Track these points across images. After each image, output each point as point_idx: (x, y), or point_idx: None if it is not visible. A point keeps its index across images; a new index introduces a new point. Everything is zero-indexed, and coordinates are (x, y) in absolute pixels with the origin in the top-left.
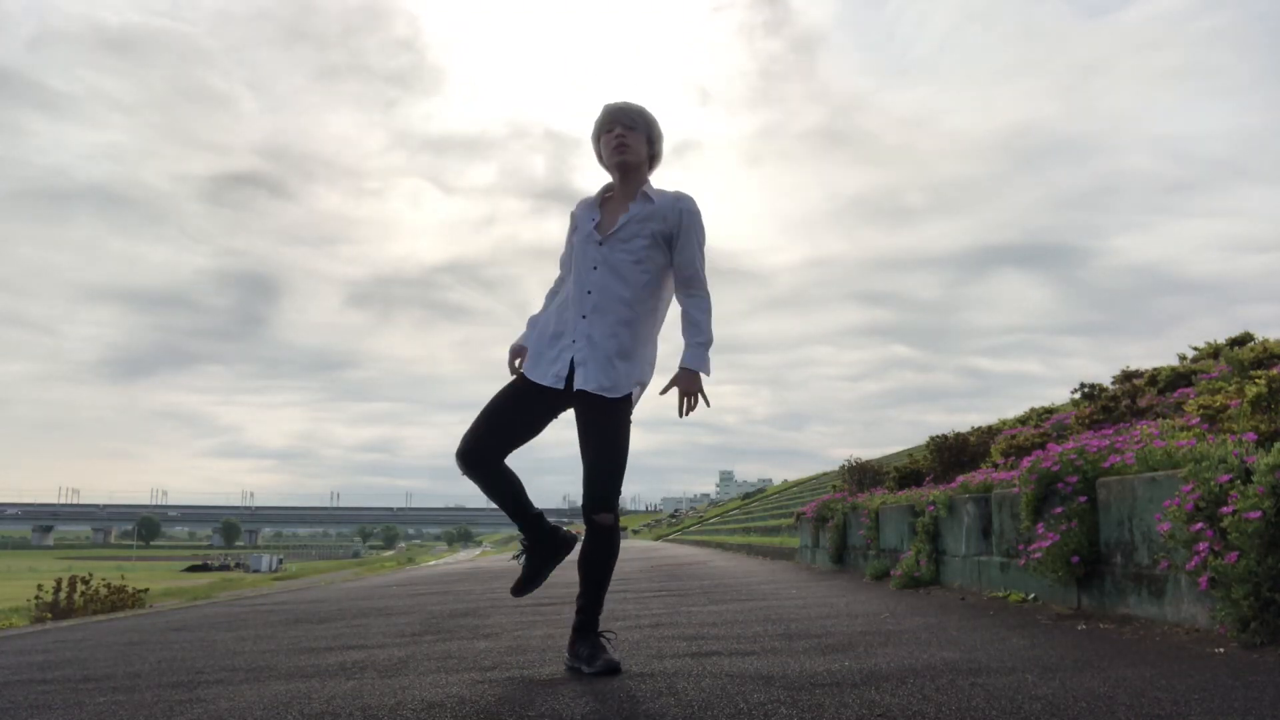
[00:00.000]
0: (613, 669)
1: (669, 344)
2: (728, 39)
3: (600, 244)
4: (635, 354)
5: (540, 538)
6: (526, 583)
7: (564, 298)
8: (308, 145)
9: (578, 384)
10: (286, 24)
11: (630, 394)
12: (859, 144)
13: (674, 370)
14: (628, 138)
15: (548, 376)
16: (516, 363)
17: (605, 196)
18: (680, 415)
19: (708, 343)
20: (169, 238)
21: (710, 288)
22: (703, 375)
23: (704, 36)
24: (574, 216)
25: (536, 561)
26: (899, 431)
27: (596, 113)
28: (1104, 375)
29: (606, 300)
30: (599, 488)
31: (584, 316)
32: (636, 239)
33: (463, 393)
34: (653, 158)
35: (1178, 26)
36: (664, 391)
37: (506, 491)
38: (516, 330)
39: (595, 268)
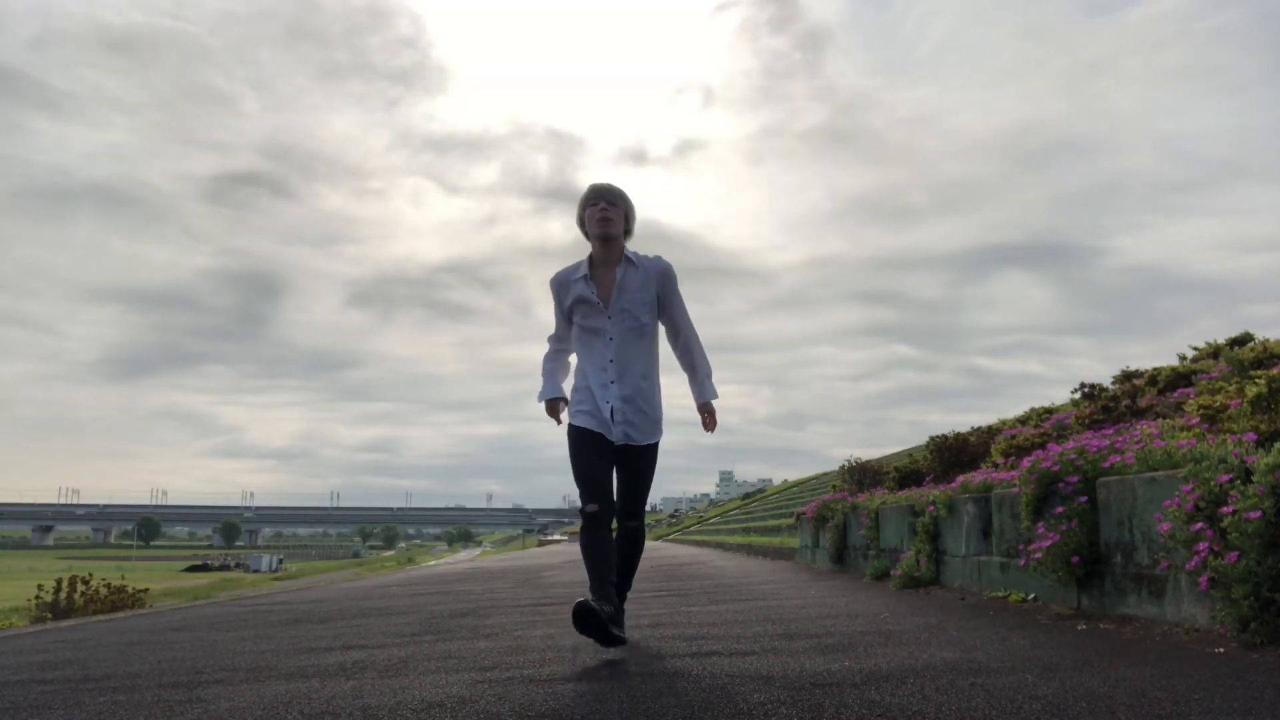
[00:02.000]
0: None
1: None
2: (731, 37)
3: (609, 317)
4: (656, 404)
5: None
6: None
7: (583, 366)
8: (310, 144)
9: (618, 440)
10: (289, 23)
11: (659, 439)
12: (862, 143)
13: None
14: (610, 213)
15: (607, 429)
16: (561, 415)
17: (590, 267)
18: (710, 431)
19: (710, 374)
20: (170, 237)
21: (704, 311)
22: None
23: (707, 34)
24: (559, 286)
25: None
26: (900, 431)
27: (596, 115)
28: (1106, 375)
29: (626, 365)
30: (631, 504)
31: (612, 382)
32: (638, 305)
33: (464, 393)
34: (628, 231)
35: (1182, 25)
36: (708, 428)
37: (609, 555)
38: (518, 329)
39: (611, 339)
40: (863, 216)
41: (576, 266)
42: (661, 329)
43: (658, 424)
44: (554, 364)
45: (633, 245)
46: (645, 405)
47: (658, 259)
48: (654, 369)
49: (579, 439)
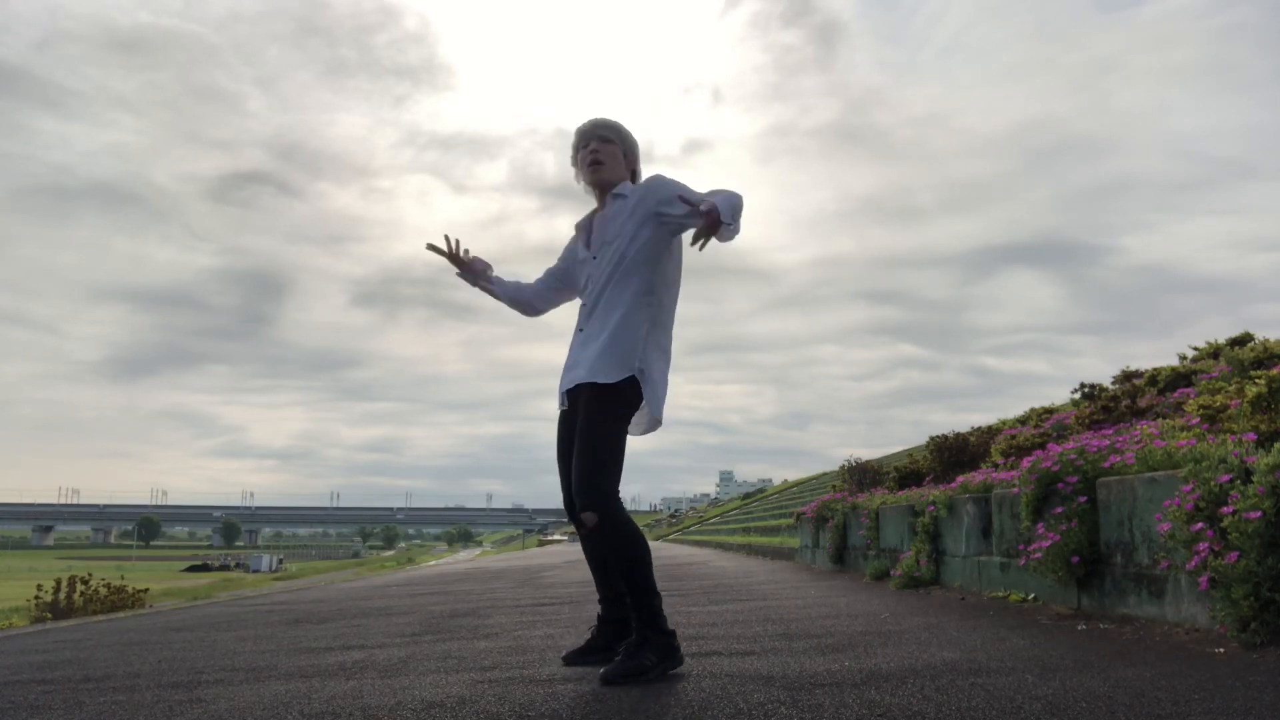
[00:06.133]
0: (605, 680)
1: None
2: (743, 31)
3: (594, 258)
4: (624, 345)
5: (612, 617)
6: (580, 654)
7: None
8: (316, 143)
9: (564, 386)
10: (296, 21)
11: (617, 383)
12: (870, 141)
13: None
14: (601, 152)
15: (563, 403)
16: (467, 273)
17: (593, 215)
18: (695, 244)
19: (731, 199)
20: (174, 237)
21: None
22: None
23: (718, 33)
24: (573, 237)
25: (598, 640)
26: (903, 432)
27: (603, 114)
28: (1110, 375)
29: (600, 309)
30: (575, 481)
31: (580, 330)
32: (618, 238)
33: (467, 393)
34: (633, 173)
35: (1193, 23)
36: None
37: (600, 557)
38: (522, 329)
39: (589, 284)
40: (870, 215)
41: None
42: (655, 276)
43: (607, 359)
44: (525, 283)
45: None
46: (604, 348)
47: (647, 183)
48: (638, 310)
49: (557, 433)
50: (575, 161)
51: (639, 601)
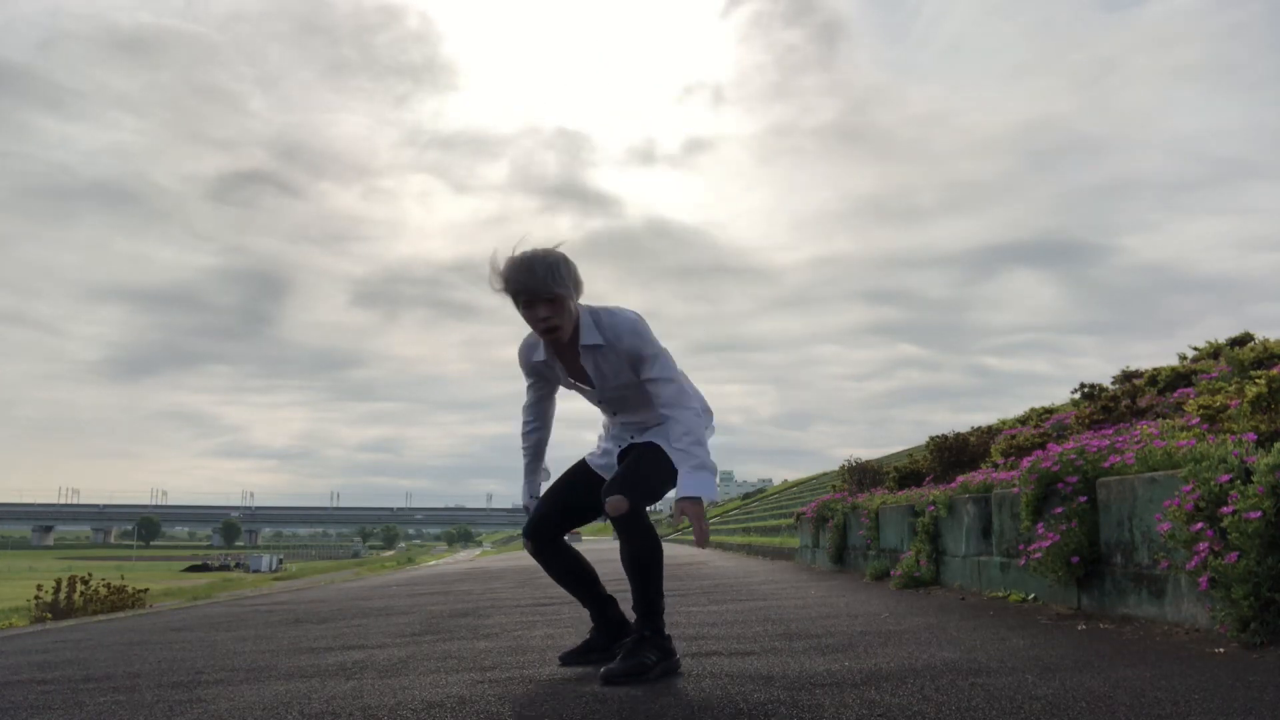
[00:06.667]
0: (607, 679)
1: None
2: (745, 30)
3: (602, 400)
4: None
5: (606, 615)
6: (577, 654)
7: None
8: (317, 142)
9: (619, 445)
10: (298, 20)
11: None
12: (872, 141)
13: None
14: (554, 318)
15: (598, 464)
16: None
17: (546, 348)
18: (699, 546)
19: (696, 455)
20: (175, 236)
21: (693, 388)
22: (705, 499)
23: (720, 32)
24: (525, 363)
25: (597, 639)
26: (903, 431)
27: (605, 114)
28: (1110, 375)
29: (638, 418)
30: (625, 478)
31: (631, 437)
32: (624, 383)
33: (468, 393)
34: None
35: (1197, 22)
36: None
37: (567, 574)
38: (522, 329)
39: (615, 412)
40: (871, 215)
41: (536, 344)
42: None
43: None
44: (531, 457)
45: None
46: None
47: (618, 334)
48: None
49: (569, 472)
50: (511, 298)
51: (648, 600)
